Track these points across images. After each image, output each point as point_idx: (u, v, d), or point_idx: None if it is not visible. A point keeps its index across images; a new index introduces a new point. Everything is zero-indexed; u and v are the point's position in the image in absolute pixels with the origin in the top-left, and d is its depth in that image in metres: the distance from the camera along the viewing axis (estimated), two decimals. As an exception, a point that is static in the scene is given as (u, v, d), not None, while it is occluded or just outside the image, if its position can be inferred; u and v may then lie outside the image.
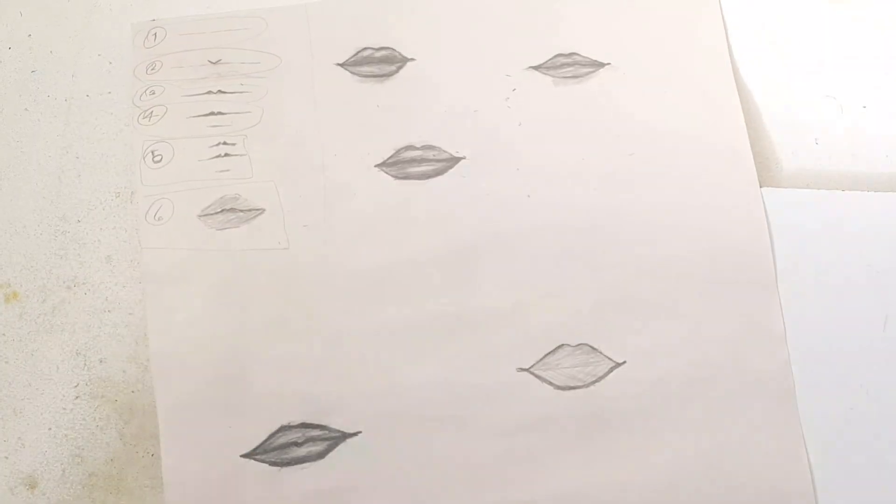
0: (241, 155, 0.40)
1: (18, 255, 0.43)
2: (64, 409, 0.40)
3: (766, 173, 0.42)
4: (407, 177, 0.39)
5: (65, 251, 0.43)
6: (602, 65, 0.41)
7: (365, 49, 0.41)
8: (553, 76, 0.41)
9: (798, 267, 0.39)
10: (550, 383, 0.37)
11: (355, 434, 0.37)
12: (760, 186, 0.39)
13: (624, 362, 0.37)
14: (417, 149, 0.40)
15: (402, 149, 0.40)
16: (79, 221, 0.43)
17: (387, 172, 0.39)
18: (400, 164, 0.39)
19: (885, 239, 0.39)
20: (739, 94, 0.43)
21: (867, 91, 0.43)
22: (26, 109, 0.45)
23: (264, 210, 0.39)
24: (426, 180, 0.39)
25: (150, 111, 0.41)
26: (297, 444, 0.36)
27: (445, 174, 0.39)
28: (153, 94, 0.41)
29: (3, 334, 0.42)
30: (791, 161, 0.42)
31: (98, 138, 0.44)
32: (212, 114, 0.40)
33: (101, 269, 0.42)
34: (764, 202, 0.39)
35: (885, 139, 0.42)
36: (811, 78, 0.43)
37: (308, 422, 0.37)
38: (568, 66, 0.41)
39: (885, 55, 0.43)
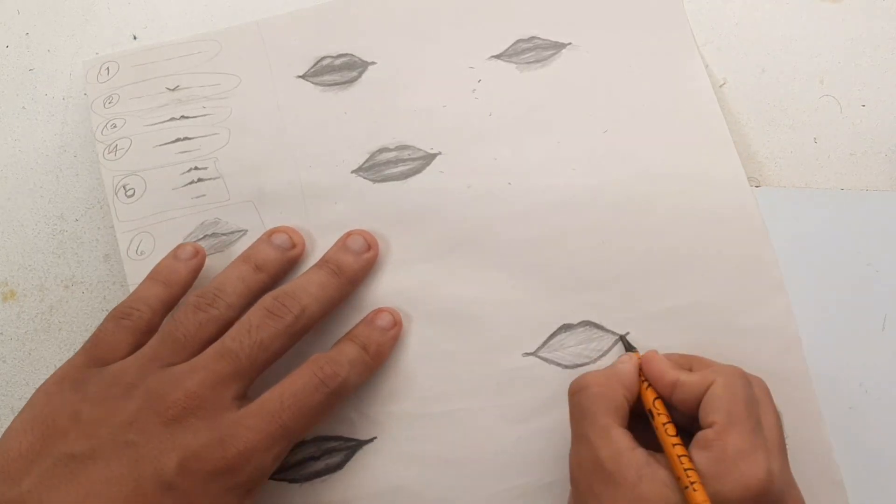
0: (215, 178, 0.39)
1: (16, 253, 0.43)
2: (62, 408, 0.40)
3: (766, 172, 0.42)
4: (385, 179, 0.39)
5: (62, 250, 0.43)
6: (563, 45, 0.40)
7: (324, 58, 0.41)
8: (516, 62, 0.40)
9: (797, 266, 0.39)
10: (558, 364, 0.37)
11: (371, 440, 0.37)
12: (759, 186, 0.39)
13: (627, 333, 0.37)
14: (391, 150, 0.39)
15: (376, 152, 0.39)
16: (76, 220, 0.43)
17: (364, 177, 0.39)
18: (376, 168, 0.39)
19: (885, 239, 0.39)
20: (740, 94, 0.43)
21: (867, 91, 0.42)
22: (24, 108, 0.45)
23: (247, 231, 0.39)
24: (405, 180, 0.39)
25: (114, 145, 0.40)
26: (314, 458, 0.36)
27: (423, 171, 0.39)
28: (115, 127, 0.40)
29: (1, 333, 0.42)
30: (790, 160, 0.42)
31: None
32: (178, 140, 0.40)
33: (99, 268, 0.42)
34: (758, 200, 0.39)
35: (884, 139, 0.42)
36: (811, 78, 0.43)
37: (323, 434, 0.36)
38: (530, 51, 0.40)
39: (885, 55, 0.43)
